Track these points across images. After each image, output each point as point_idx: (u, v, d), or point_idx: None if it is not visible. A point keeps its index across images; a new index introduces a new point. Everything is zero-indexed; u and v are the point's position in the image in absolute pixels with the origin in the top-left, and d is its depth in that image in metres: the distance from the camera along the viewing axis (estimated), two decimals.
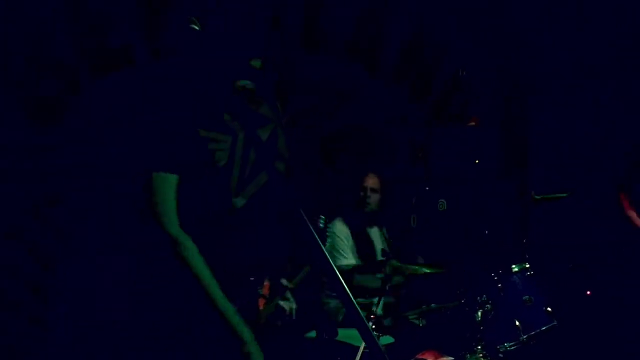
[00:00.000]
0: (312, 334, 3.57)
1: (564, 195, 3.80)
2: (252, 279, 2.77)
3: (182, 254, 1.93)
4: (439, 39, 5.12)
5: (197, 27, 1.61)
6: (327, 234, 4.23)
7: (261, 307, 2.24)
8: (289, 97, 4.61)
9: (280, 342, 2.42)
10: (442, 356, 3.38)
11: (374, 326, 3.25)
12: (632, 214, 4.01)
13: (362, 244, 4.23)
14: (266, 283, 2.25)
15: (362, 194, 4.24)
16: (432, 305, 3.65)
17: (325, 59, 4.79)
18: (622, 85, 4.89)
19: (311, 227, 1.51)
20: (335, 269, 1.47)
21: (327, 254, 1.49)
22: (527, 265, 3.66)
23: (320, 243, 1.49)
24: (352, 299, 1.45)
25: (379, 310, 3.93)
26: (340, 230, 4.21)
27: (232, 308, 1.95)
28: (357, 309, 1.43)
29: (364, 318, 1.41)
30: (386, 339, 3.60)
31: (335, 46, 4.83)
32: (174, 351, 1.95)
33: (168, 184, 1.99)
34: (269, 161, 4.49)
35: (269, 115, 4.53)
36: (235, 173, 4.12)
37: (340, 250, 4.14)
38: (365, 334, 1.42)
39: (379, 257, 4.06)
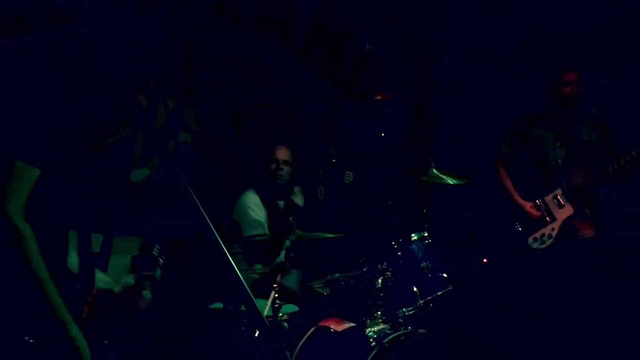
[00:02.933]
0: (218, 305, 3.62)
1: (454, 182, 3.95)
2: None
3: (20, 243, 1.93)
4: (348, 15, 5.18)
5: None
6: (237, 204, 4.25)
7: (86, 315, 2.24)
8: (198, 68, 4.55)
9: None
10: (343, 323, 3.49)
11: (277, 295, 3.32)
12: (507, 182, 4.37)
13: (273, 216, 4.27)
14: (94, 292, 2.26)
15: (274, 166, 4.26)
16: (336, 275, 3.76)
17: (236, 31, 4.74)
18: (526, 65, 5.14)
19: (197, 202, 1.53)
20: (221, 242, 1.51)
21: (213, 228, 1.51)
22: (426, 234, 3.82)
23: (207, 218, 1.51)
24: (237, 270, 1.49)
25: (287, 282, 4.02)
26: (252, 200, 4.24)
27: (62, 303, 1.97)
28: (240, 280, 1.48)
29: (247, 288, 1.46)
30: (290, 308, 3.69)
31: (247, 18, 4.78)
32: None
33: (28, 175, 1.99)
34: (174, 133, 4.45)
35: (175, 87, 4.47)
36: (139, 145, 4.04)
37: (251, 221, 4.17)
38: (249, 303, 1.47)
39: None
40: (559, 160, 4.17)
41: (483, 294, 4.55)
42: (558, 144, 4.18)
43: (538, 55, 5.03)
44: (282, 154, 4.29)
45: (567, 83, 4.11)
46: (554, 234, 4.07)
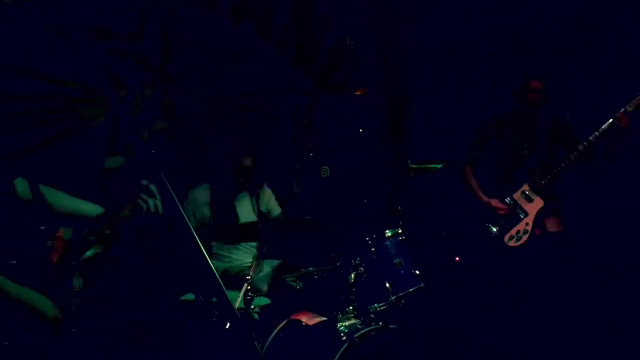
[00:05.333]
0: (190, 296, 3.60)
1: (438, 166, 4.02)
2: None
3: None
4: (325, 8, 5.16)
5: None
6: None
7: (55, 261, 2.20)
8: (173, 55, 4.49)
9: None
10: (315, 316, 3.49)
11: (249, 287, 3.30)
12: (474, 183, 4.47)
13: (226, 213, 4.21)
14: (60, 233, 2.19)
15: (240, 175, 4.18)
16: (310, 268, 3.75)
17: (212, 19, 4.68)
18: (497, 61, 5.21)
19: (171, 190, 1.51)
20: (194, 231, 1.49)
21: (186, 217, 1.50)
22: (400, 231, 3.84)
23: (180, 205, 1.50)
24: (209, 260, 1.48)
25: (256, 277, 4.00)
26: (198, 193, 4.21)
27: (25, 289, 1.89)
28: (212, 270, 1.46)
29: (219, 278, 1.45)
30: (262, 300, 3.68)
31: (223, 6, 4.73)
32: None
33: None
34: (149, 121, 4.39)
35: (151, 73, 4.41)
36: (113, 131, 3.98)
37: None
38: (221, 295, 1.46)
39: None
40: (523, 159, 4.26)
41: (462, 290, 4.60)
42: (526, 145, 4.28)
43: (510, 52, 5.13)
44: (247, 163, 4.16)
45: (532, 90, 4.22)
46: (528, 228, 4.14)
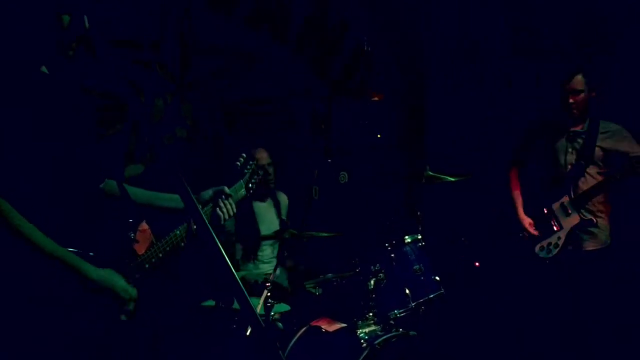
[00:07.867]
0: (210, 302, 3.60)
1: (453, 179, 3.88)
2: None
3: None
4: (340, 13, 5.16)
5: None
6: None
7: (141, 252, 2.20)
8: (191, 61, 4.51)
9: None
10: (335, 323, 3.48)
11: (269, 294, 3.30)
12: (516, 190, 4.16)
13: (244, 218, 4.10)
14: (144, 227, 2.20)
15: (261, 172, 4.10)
16: (329, 275, 3.74)
17: (230, 25, 4.69)
18: (516, 62, 5.18)
19: (190, 192, 1.51)
20: (214, 235, 1.49)
21: (205, 219, 1.50)
22: (419, 237, 3.81)
23: (200, 208, 1.49)
24: (231, 266, 1.47)
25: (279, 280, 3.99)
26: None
27: (65, 250, 1.88)
28: (234, 275, 1.46)
29: (241, 284, 1.44)
30: (282, 307, 3.67)
31: (241, 12, 4.74)
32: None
33: None
34: (170, 127, 4.41)
35: (170, 80, 4.43)
36: (133, 139, 4.01)
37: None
38: (242, 301, 1.46)
39: (265, 232, 4.08)
40: (568, 166, 3.90)
41: (475, 298, 4.56)
42: (570, 150, 3.91)
43: (528, 53, 5.06)
44: (263, 158, 4.10)
45: (570, 92, 3.83)
46: (560, 243, 3.87)
